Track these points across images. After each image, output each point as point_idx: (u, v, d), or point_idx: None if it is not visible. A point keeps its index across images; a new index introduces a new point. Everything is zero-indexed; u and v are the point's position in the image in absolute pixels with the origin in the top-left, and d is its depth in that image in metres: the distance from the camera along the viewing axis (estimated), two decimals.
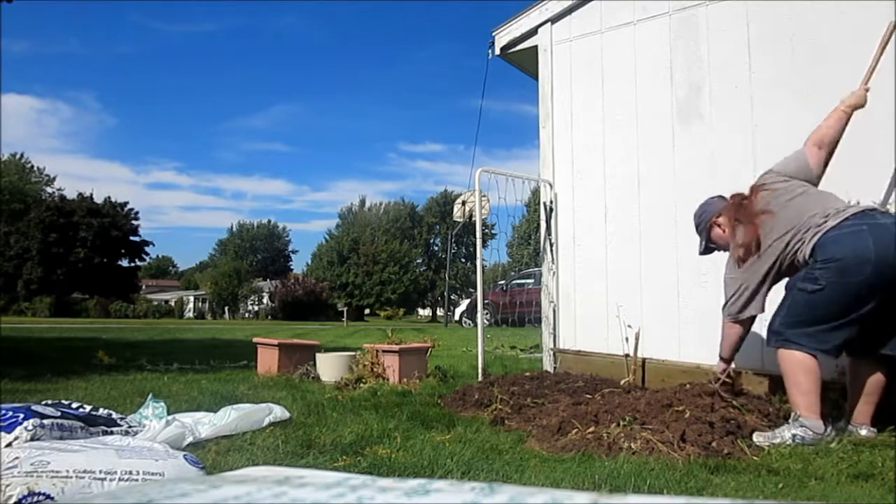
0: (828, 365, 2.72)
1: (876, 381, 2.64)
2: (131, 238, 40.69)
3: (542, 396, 3.31)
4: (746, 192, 2.88)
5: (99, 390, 3.68)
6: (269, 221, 63.38)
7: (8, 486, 1.57)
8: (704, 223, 3.07)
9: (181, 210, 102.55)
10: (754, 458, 2.32)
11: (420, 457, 2.26)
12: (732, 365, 3.01)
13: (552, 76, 4.55)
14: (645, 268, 3.97)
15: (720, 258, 3.06)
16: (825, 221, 2.57)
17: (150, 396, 2.74)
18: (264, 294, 40.45)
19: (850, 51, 3.22)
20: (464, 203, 14.39)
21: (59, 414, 2.15)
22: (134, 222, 40.91)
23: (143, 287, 48.33)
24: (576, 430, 2.57)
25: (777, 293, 2.75)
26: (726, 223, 2.93)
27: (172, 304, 41.91)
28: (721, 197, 3.06)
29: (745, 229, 2.77)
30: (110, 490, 1.67)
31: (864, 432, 2.58)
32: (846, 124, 2.85)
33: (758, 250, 2.72)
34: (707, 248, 3.14)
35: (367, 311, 42.15)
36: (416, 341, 4.97)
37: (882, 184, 3.10)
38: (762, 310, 2.82)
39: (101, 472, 1.70)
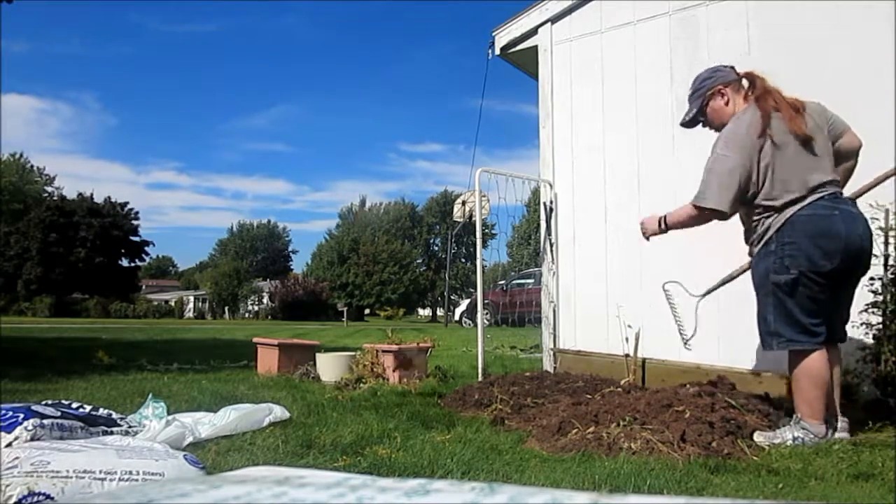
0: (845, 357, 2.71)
1: (835, 370, 2.62)
2: (131, 238, 40.74)
3: (542, 396, 3.31)
4: (786, 94, 2.58)
5: (99, 390, 3.68)
6: (269, 221, 63.44)
7: (8, 486, 1.57)
8: (707, 87, 2.68)
9: (181, 210, 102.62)
10: (754, 458, 2.32)
11: (420, 457, 2.26)
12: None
13: (552, 76, 4.55)
14: (645, 268, 3.97)
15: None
16: (803, 196, 2.46)
17: (150, 396, 2.74)
18: (264, 294, 40.42)
19: (850, 51, 3.22)
20: (464, 203, 14.38)
21: (59, 414, 2.15)
22: (134, 222, 40.99)
23: (143, 287, 48.37)
24: (576, 430, 2.57)
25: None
26: (732, 98, 2.64)
27: (172, 304, 41.89)
28: (733, 69, 2.71)
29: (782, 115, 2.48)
30: (110, 490, 1.67)
31: (840, 433, 2.56)
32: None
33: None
34: (693, 120, 2.77)
35: (367, 311, 42.14)
36: (416, 341, 4.97)
37: (882, 183, 3.10)
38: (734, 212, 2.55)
39: (101, 472, 1.70)
